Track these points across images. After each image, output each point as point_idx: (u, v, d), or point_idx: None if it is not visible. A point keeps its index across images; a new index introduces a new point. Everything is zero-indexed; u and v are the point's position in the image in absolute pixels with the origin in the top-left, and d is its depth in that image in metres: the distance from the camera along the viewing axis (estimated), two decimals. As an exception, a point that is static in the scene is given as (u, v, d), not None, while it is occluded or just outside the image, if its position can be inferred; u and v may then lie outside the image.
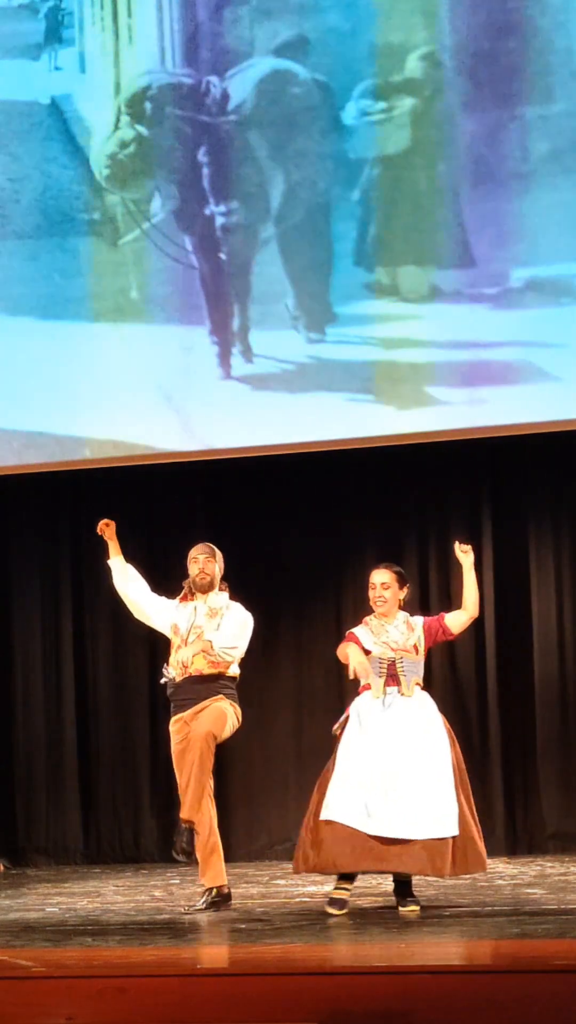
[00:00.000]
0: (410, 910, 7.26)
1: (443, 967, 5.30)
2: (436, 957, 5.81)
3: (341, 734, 7.43)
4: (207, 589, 7.84)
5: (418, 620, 7.65)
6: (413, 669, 7.46)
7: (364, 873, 7.47)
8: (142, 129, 10.23)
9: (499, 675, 10.20)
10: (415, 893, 7.42)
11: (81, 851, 10.74)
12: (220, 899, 7.63)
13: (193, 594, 7.88)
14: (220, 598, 7.87)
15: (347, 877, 7.35)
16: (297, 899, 8.14)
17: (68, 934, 6.88)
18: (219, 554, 7.95)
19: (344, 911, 7.24)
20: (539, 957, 5.66)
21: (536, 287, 9.43)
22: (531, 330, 9.38)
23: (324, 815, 7.23)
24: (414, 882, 7.47)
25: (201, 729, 7.62)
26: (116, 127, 10.28)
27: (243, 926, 6.97)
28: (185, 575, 8.00)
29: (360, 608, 10.34)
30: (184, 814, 7.59)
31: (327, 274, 9.85)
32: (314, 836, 7.28)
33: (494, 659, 10.18)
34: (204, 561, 7.87)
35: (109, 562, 8.17)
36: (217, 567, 7.90)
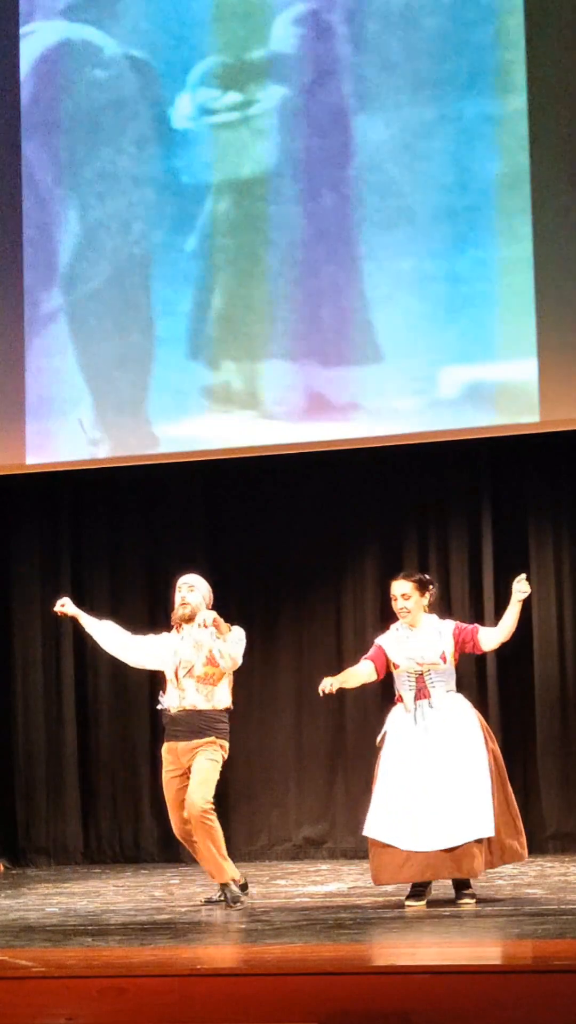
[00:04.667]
0: (464, 903, 7.40)
1: (443, 967, 5.30)
2: (436, 957, 5.81)
3: (382, 746, 7.58)
4: (188, 620, 7.82)
5: (448, 626, 7.64)
6: (442, 679, 7.50)
7: (405, 883, 7.56)
8: None
9: (499, 675, 10.19)
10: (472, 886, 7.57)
11: (81, 851, 10.74)
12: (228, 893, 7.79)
13: (180, 625, 7.88)
14: (204, 633, 7.84)
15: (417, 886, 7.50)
16: (297, 899, 8.13)
17: (68, 934, 6.88)
18: (203, 584, 7.92)
19: (421, 902, 7.39)
20: (539, 957, 5.66)
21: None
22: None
23: (366, 832, 7.48)
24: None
25: (193, 811, 7.66)
26: None
27: (243, 926, 6.96)
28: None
29: (359, 608, 10.37)
30: (221, 880, 7.72)
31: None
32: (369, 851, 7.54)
33: (494, 659, 10.16)
34: (186, 591, 7.88)
35: (88, 631, 8.12)
36: (199, 596, 7.86)
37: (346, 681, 7.73)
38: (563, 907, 7.25)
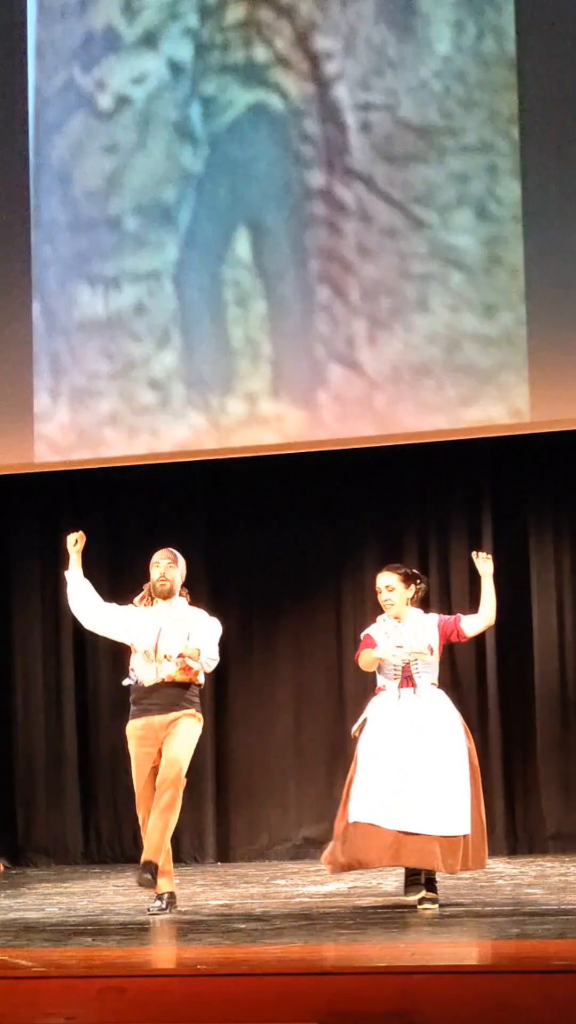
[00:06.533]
0: (425, 908, 7.27)
1: (443, 967, 5.30)
2: (436, 957, 5.81)
3: (359, 736, 7.51)
4: (167, 596, 7.78)
5: (432, 618, 7.66)
6: (428, 669, 7.50)
7: (384, 868, 7.50)
8: None
9: (499, 675, 10.20)
10: (436, 891, 7.44)
11: (81, 851, 10.74)
12: (173, 900, 7.64)
13: (152, 599, 7.83)
14: (181, 604, 7.82)
15: (415, 873, 7.38)
16: (297, 899, 8.13)
17: (68, 934, 6.88)
18: (182, 560, 7.86)
19: (420, 894, 7.29)
20: (539, 957, 5.66)
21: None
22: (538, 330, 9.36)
23: (351, 818, 7.37)
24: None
25: (171, 771, 7.57)
26: None
27: (243, 926, 6.96)
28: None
29: (359, 608, 10.36)
30: (148, 856, 7.52)
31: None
32: (343, 838, 7.40)
33: (494, 659, 10.18)
34: (166, 567, 7.79)
35: (67, 574, 7.96)
36: (178, 573, 7.82)
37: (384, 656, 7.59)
38: (563, 907, 7.25)
